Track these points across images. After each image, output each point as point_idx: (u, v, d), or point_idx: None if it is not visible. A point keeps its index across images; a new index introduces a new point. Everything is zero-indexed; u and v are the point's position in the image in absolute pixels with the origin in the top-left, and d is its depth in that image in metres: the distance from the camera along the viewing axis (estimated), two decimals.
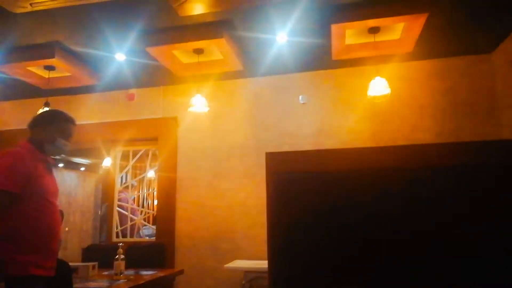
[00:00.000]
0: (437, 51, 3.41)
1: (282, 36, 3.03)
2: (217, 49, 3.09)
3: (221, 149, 3.82)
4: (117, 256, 2.93)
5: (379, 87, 3.03)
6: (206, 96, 3.62)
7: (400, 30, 2.87)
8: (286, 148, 3.59)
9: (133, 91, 4.16)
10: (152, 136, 4.14)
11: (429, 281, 1.24)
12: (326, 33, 2.87)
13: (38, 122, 2.17)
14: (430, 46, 3.28)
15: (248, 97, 3.87)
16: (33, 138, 2.12)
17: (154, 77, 3.85)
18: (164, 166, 3.97)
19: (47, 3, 2.43)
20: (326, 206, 1.37)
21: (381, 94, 3.05)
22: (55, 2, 2.40)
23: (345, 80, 3.67)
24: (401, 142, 3.42)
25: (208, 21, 2.80)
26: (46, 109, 3.39)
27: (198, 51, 3.15)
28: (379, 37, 2.95)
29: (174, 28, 2.89)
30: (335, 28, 2.71)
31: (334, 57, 3.20)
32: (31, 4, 2.45)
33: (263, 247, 2.64)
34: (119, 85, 4.02)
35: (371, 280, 1.30)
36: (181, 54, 3.24)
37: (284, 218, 1.41)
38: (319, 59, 3.46)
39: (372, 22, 2.71)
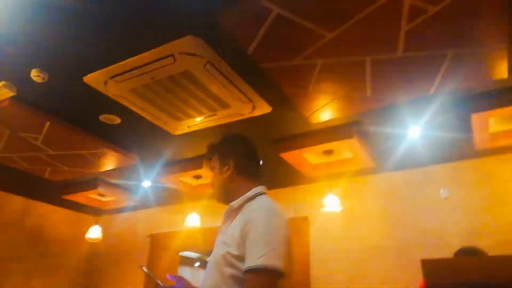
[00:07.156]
0: None
1: (414, 130, 2.94)
2: (347, 148, 3.14)
3: (355, 250, 3.62)
4: None
5: None
6: (337, 194, 3.60)
7: None
8: (430, 249, 3.22)
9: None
10: None
11: None
12: (465, 123, 2.70)
13: None
14: None
15: (382, 194, 3.71)
16: None
17: (284, 178, 4.01)
18: (297, 268, 3.90)
19: (200, 125, 2.85)
20: None
21: None
22: (207, 123, 2.81)
23: (495, 169, 3.28)
24: None
25: (338, 124, 2.91)
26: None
27: (328, 152, 3.23)
28: None
29: (305, 134, 3.06)
30: (476, 117, 2.55)
31: (478, 147, 2.94)
32: (188, 127, 2.91)
33: None
34: None
35: None
36: (310, 156, 3.36)
37: None
38: (459, 149, 3.22)
39: None
